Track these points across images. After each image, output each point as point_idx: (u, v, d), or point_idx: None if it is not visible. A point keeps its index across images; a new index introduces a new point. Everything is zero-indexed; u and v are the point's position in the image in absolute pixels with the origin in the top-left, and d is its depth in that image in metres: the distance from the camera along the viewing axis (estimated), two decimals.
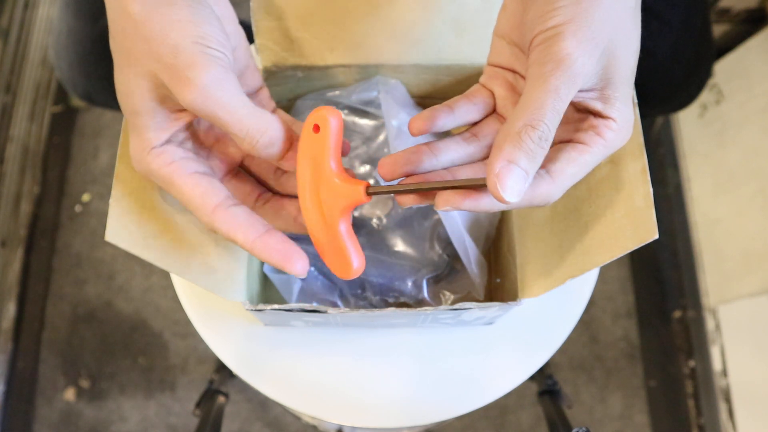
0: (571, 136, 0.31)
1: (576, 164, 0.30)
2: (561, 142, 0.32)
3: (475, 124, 0.35)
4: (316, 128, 0.31)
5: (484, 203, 0.30)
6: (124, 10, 0.30)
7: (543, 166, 0.30)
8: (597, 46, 0.28)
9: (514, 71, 0.35)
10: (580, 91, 0.30)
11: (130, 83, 0.31)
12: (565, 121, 0.32)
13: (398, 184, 0.31)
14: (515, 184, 0.27)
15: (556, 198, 0.30)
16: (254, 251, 0.31)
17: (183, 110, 0.32)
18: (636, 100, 0.37)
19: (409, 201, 0.31)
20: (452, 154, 0.33)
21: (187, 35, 0.29)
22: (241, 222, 0.31)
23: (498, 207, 0.30)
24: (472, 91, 0.35)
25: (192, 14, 0.30)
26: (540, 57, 0.28)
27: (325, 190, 0.32)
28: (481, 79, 0.36)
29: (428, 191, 0.31)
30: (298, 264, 0.32)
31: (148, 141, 0.32)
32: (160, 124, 0.32)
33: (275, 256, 0.31)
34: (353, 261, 0.32)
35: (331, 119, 0.31)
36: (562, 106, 0.28)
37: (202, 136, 0.35)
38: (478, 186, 0.29)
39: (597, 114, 0.31)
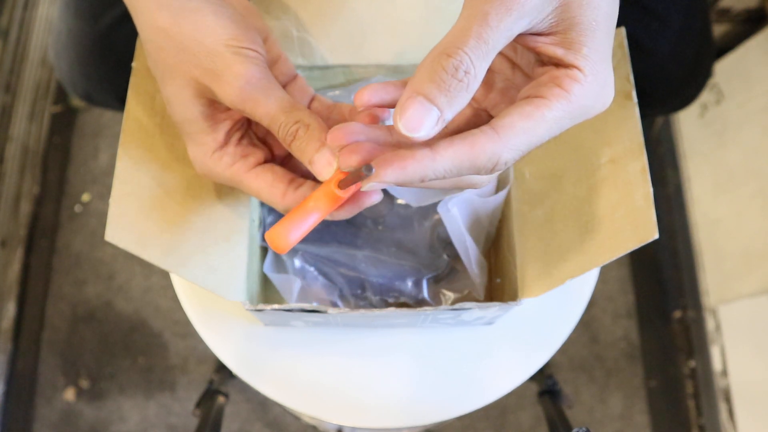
0: (530, 92, 0.27)
1: (530, 119, 0.25)
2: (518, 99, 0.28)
3: None
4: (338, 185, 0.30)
5: (412, 165, 0.25)
6: (155, 25, 0.31)
7: (489, 126, 0.25)
8: None
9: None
10: (537, 34, 0.26)
11: (178, 94, 0.32)
12: (529, 77, 0.29)
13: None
14: (419, 116, 0.24)
15: (506, 160, 0.26)
16: (333, 216, 0.32)
17: (229, 108, 0.33)
18: (636, 100, 0.37)
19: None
20: None
21: (219, 40, 0.31)
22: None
23: (433, 172, 0.25)
24: None
25: (218, 18, 0.31)
26: None
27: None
28: None
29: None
30: (373, 197, 0.32)
31: (207, 146, 0.33)
32: (214, 127, 0.33)
33: (353, 209, 0.32)
34: (289, 237, 0.30)
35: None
36: (492, 36, 0.24)
37: (255, 128, 0.36)
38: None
39: (559, 63, 0.26)
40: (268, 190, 0.33)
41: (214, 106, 0.33)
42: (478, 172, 0.26)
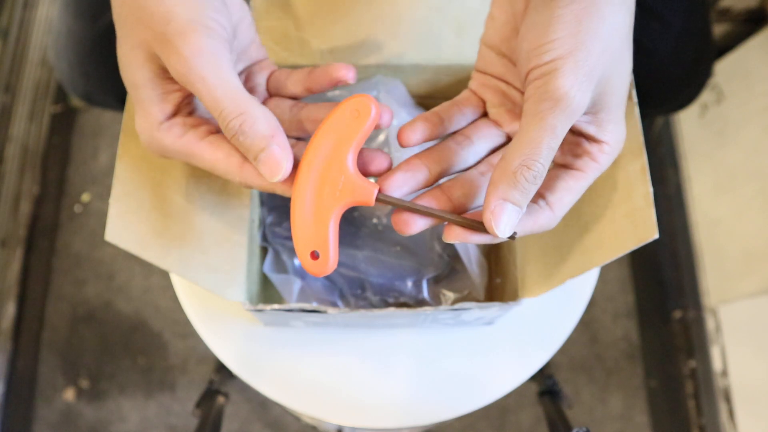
0: (566, 160, 0.32)
1: (573, 192, 0.31)
2: (556, 166, 0.32)
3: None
4: (356, 114, 0.30)
5: (490, 237, 0.30)
6: None
7: (542, 197, 0.31)
8: (593, 79, 0.28)
9: (505, 81, 0.34)
10: None
11: (128, 55, 0.30)
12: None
13: (410, 201, 0.30)
14: (509, 220, 0.28)
15: (555, 224, 0.31)
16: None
17: None
18: (636, 100, 0.37)
19: (417, 221, 0.30)
20: (444, 164, 0.32)
21: (179, 1, 0.28)
22: None
23: (501, 240, 0.31)
24: (461, 98, 0.35)
25: None
26: (536, 94, 0.28)
27: (334, 178, 0.30)
28: (471, 85, 0.35)
29: (433, 216, 0.30)
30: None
31: (154, 116, 0.31)
32: (163, 96, 0.31)
33: None
34: (331, 258, 0.30)
35: (374, 111, 0.30)
36: (557, 143, 0.28)
37: None
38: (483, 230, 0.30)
39: (590, 138, 0.31)
40: (225, 160, 0.30)
41: (165, 74, 0.30)
42: (533, 234, 0.32)
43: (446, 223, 0.30)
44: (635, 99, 0.37)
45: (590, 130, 0.31)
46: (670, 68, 0.53)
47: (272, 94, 0.36)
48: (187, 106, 0.32)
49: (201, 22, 0.28)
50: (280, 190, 0.31)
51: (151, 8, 0.28)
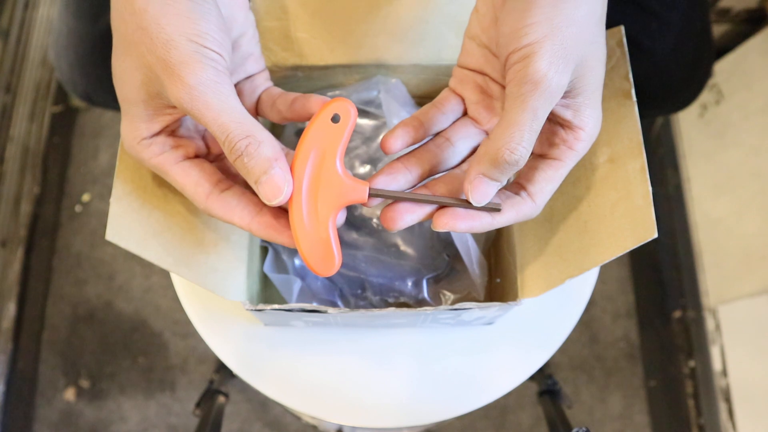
0: (543, 150, 0.33)
1: (553, 181, 0.32)
2: (534, 156, 0.33)
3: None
4: (335, 118, 0.31)
5: (478, 224, 0.32)
6: None
7: (523, 188, 0.32)
8: (570, 62, 0.29)
9: (483, 74, 0.35)
10: None
11: (126, 72, 0.30)
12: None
13: (401, 191, 0.32)
14: (485, 191, 0.30)
15: (538, 213, 0.33)
16: (252, 231, 0.32)
17: (174, 107, 0.32)
18: (635, 100, 0.37)
19: (404, 216, 0.32)
20: (425, 165, 0.33)
21: (182, 31, 0.29)
22: (234, 206, 0.32)
23: (490, 227, 0.32)
24: (441, 98, 0.36)
25: (191, 9, 0.29)
26: (517, 77, 0.29)
27: (326, 183, 0.31)
28: (451, 83, 0.36)
29: (422, 202, 0.32)
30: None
31: (138, 131, 0.32)
32: (152, 117, 0.32)
33: (272, 232, 0.32)
34: (336, 257, 0.31)
35: (353, 113, 0.31)
36: (539, 125, 0.29)
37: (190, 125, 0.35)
38: (473, 207, 0.31)
39: (566, 125, 0.32)
40: (193, 188, 0.32)
41: (157, 99, 0.31)
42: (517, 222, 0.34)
43: (434, 215, 0.32)
44: (634, 98, 0.37)
45: (567, 115, 0.31)
46: (669, 68, 0.53)
47: (258, 114, 0.37)
48: (171, 127, 0.33)
49: (203, 54, 0.29)
50: (238, 224, 0.32)
51: (151, 33, 0.29)
